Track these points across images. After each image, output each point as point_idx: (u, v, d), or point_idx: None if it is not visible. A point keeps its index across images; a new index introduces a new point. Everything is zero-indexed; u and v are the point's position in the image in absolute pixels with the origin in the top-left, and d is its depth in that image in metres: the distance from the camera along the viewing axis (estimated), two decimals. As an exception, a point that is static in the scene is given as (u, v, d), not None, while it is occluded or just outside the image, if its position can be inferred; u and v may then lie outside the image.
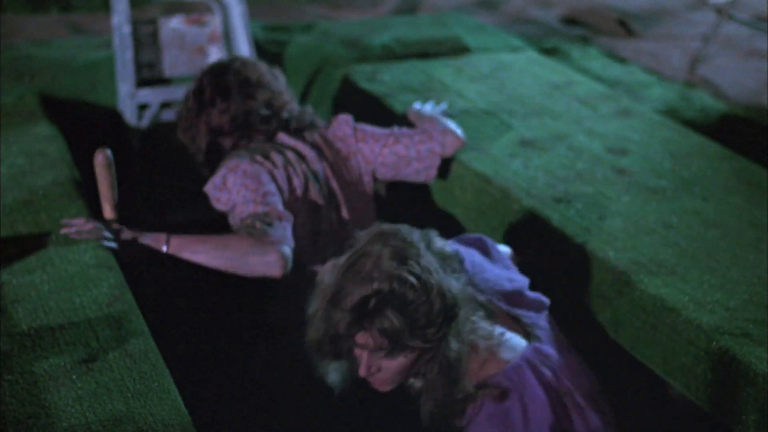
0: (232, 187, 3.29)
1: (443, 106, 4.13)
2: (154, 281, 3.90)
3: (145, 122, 4.38)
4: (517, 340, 2.64)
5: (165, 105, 4.48)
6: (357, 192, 3.62)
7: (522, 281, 2.83)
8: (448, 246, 2.56)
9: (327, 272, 2.49)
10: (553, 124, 4.19)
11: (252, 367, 3.96)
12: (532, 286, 2.88)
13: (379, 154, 3.62)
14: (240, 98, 3.49)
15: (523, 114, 4.29)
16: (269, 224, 3.07)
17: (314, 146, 3.54)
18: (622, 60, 5.52)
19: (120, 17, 4.28)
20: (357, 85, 4.58)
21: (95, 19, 6.77)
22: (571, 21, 6.81)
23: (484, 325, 2.55)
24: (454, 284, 2.45)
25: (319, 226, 3.47)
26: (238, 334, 3.99)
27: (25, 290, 2.91)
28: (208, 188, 3.33)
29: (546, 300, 2.81)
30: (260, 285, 3.82)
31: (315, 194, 3.46)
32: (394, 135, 3.64)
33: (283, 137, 3.52)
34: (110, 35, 4.59)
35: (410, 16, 6.29)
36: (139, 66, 4.46)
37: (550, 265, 3.42)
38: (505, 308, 2.70)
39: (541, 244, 3.46)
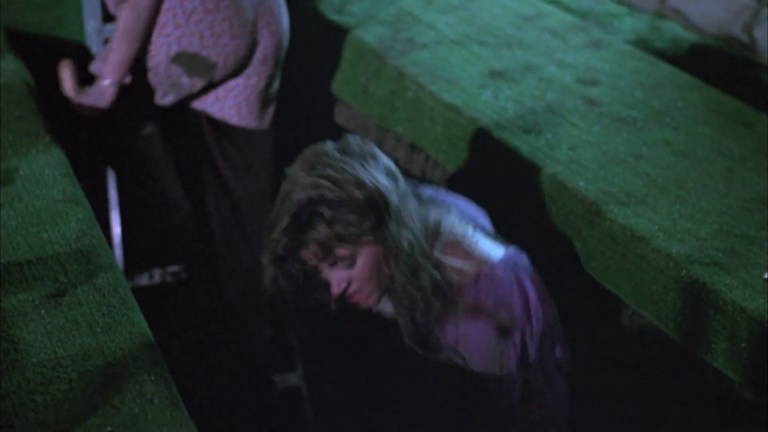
0: None
1: None
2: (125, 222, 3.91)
3: (112, 57, 4.33)
4: (493, 245, 2.65)
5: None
6: None
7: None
8: (368, 145, 2.56)
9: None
10: (523, 56, 4.17)
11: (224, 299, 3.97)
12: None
13: None
14: None
15: (493, 45, 4.26)
16: None
17: None
18: (592, -9, 5.49)
19: (85, -50, 4.22)
20: (325, 16, 4.54)
21: (60, -48, 6.69)
22: (541, -48, 6.76)
23: (438, 217, 2.59)
24: (373, 175, 2.45)
25: None
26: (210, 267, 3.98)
27: (-8, 226, 2.90)
28: None
29: None
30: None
31: None
32: None
33: None
34: (76, -31, 4.53)
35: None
36: (105, 1, 4.41)
37: (520, 196, 3.42)
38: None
39: (511, 174, 3.45)
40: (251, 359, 4.11)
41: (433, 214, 2.59)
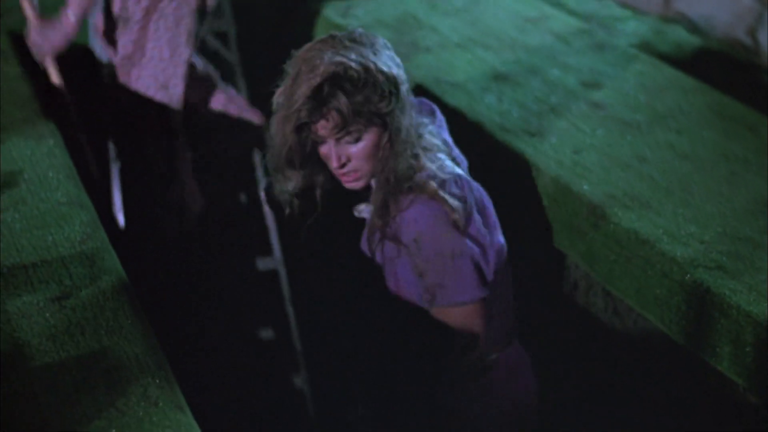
0: None
1: None
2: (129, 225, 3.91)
3: (115, 58, 4.34)
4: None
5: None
6: None
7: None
8: (381, 39, 2.79)
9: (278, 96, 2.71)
10: (527, 59, 4.17)
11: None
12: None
13: None
14: None
15: (496, 48, 4.26)
16: None
17: None
18: (596, -6, 5.49)
19: (88, -48, 4.21)
20: (330, 20, 4.54)
21: (64, -45, 6.68)
22: (545, -45, 6.76)
23: (423, 121, 2.85)
24: (389, 64, 2.68)
25: None
26: (210, 271, 3.98)
27: (-3, 229, 2.90)
28: None
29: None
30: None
31: None
32: None
33: None
34: (79, -29, 4.53)
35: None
36: (108, 2, 4.40)
37: (524, 199, 3.42)
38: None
39: (515, 178, 3.45)
40: (256, 362, 4.11)
41: (420, 118, 2.83)
